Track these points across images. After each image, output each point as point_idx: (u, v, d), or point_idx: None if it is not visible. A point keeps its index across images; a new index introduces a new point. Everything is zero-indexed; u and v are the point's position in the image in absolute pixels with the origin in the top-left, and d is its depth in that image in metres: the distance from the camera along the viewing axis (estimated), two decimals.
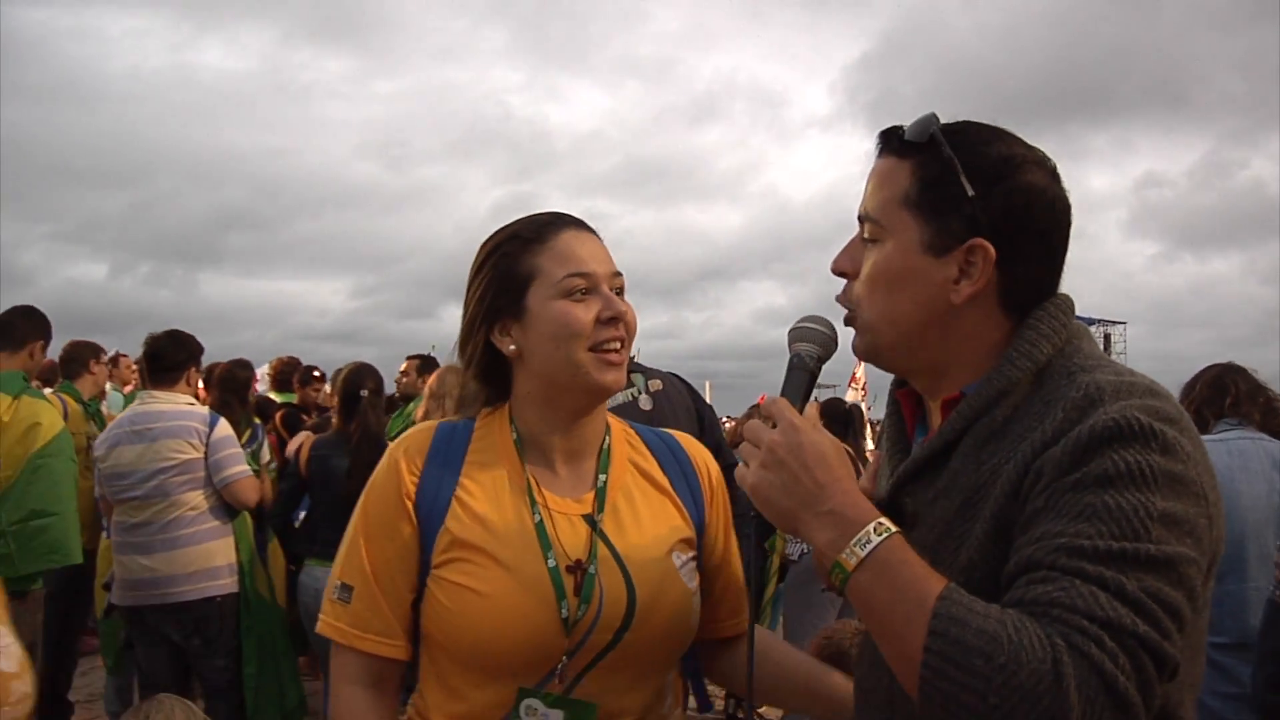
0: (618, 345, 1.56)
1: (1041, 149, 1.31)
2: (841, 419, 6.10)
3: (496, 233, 1.64)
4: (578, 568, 1.52)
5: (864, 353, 1.36)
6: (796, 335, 1.40)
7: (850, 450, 4.83)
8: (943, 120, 1.31)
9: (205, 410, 4.49)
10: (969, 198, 1.24)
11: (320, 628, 1.60)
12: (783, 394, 1.37)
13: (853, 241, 1.36)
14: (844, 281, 1.37)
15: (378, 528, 1.58)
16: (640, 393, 3.07)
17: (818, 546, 1.20)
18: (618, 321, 1.55)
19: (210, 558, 4.28)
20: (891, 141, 1.33)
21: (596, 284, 1.56)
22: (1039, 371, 1.25)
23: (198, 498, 4.28)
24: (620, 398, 2.99)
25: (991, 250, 1.24)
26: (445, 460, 1.60)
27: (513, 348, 1.59)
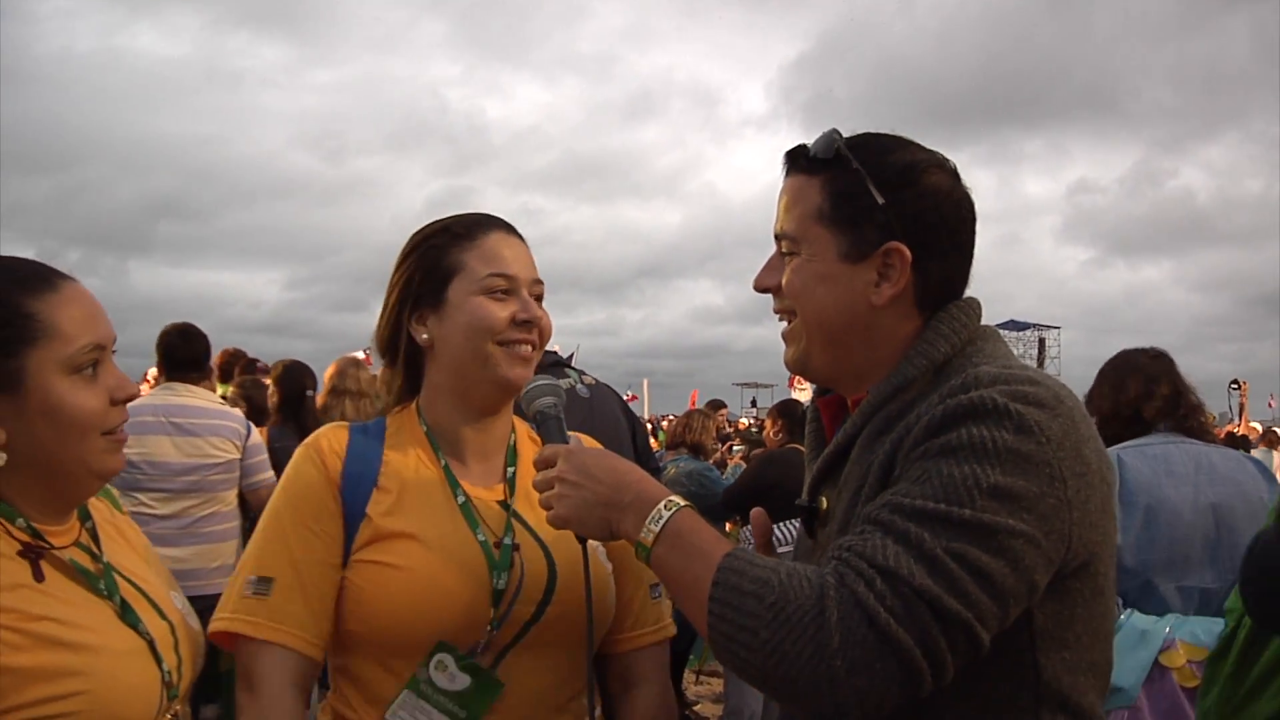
0: (528, 348, 1.62)
1: (938, 151, 1.37)
2: (799, 420, 6.10)
3: (428, 225, 1.68)
4: (500, 544, 1.56)
5: (793, 363, 1.41)
6: (531, 397, 1.57)
7: (798, 446, 4.88)
8: (878, 129, 1.37)
9: (241, 413, 4.61)
10: (880, 205, 1.30)
11: (227, 624, 1.50)
12: (546, 443, 1.50)
13: (772, 259, 1.41)
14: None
15: (305, 516, 1.55)
16: (576, 383, 3.21)
17: (628, 537, 1.29)
18: (531, 325, 1.61)
19: (231, 555, 4.36)
20: (799, 160, 1.38)
21: (517, 287, 1.61)
22: (937, 370, 1.29)
23: (231, 496, 4.42)
24: (563, 384, 3.07)
25: (907, 252, 1.29)
26: (364, 451, 1.62)
27: (425, 337, 1.62)
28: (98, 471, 1.40)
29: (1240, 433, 13.34)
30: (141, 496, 4.19)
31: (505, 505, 1.63)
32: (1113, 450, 2.92)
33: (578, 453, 1.38)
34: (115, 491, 1.63)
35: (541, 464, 1.42)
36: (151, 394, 4.46)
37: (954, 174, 1.36)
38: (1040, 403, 1.16)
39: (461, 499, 1.60)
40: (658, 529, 1.23)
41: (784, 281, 1.37)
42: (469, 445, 1.66)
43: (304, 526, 1.54)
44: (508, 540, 1.57)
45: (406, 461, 1.62)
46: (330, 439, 1.63)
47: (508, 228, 1.67)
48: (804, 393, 13.87)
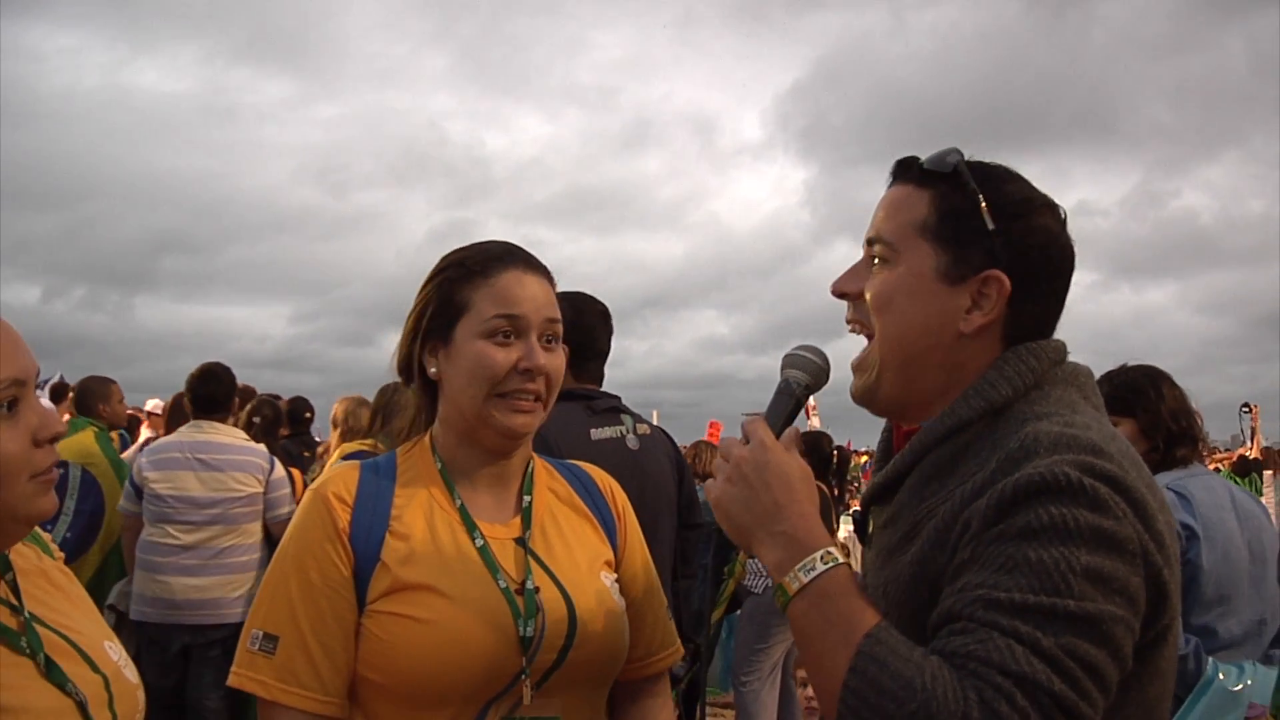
0: (530, 397, 1.55)
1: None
2: (822, 459, 5.97)
3: (450, 254, 1.64)
4: (522, 589, 1.52)
5: (861, 393, 1.37)
6: (790, 361, 1.41)
7: (823, 487, 4.84)
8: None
9: (264, 448, 4.87)
10: (990, 231, 1.26)
11: (238, 681, 1.49)
12: (766, 415, 1.37)
13: (858, 264, 1.37)
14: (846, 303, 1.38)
15: (310, 571, 1.50)
16: (628, 432, 3.06)
17: (768, 565, 1.22)
18: (534, 374, 1.54)
19: (253, 585, 4.53)
20: (909, 170, 1.34)
21: (524, 329, 1.55)
22: (996, 413, 1.24)
23: (254, 528, 4.64)
24: (609, 432, 3.03)
25: (1007, 283, 1.26)
26: (375, 494, 1.57)
27: (434, 371, 1.60)
28: (24, 517, 1.27)
29: (1253, 456, 13.24)
30: (169, 528, 4.50)
31: (522, 543, 1.59)
32: (1172, 481, 2.88)
33: (771, 449, 1.27)
34: (46, 536, 1.49)
35: (742, 436, 1.32)
36: (180, 432, 4.80)
37: (1063, 220, 1.32)
38: (1109, 476, 1.11)
39: (480, 542, 1.55)
40: (806, 580, 1.17)
41: (870, 290, 1.32)
42: (483, 478, 1.63)
43: (309, 583, 1.50)
44: (530, 585, 1.53)
45: (420, 501, 1.58)
46: (339, 485, 1.57)
47: (526, 262, 1.61)
48: (814, 419, 13.76)
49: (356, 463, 1.64)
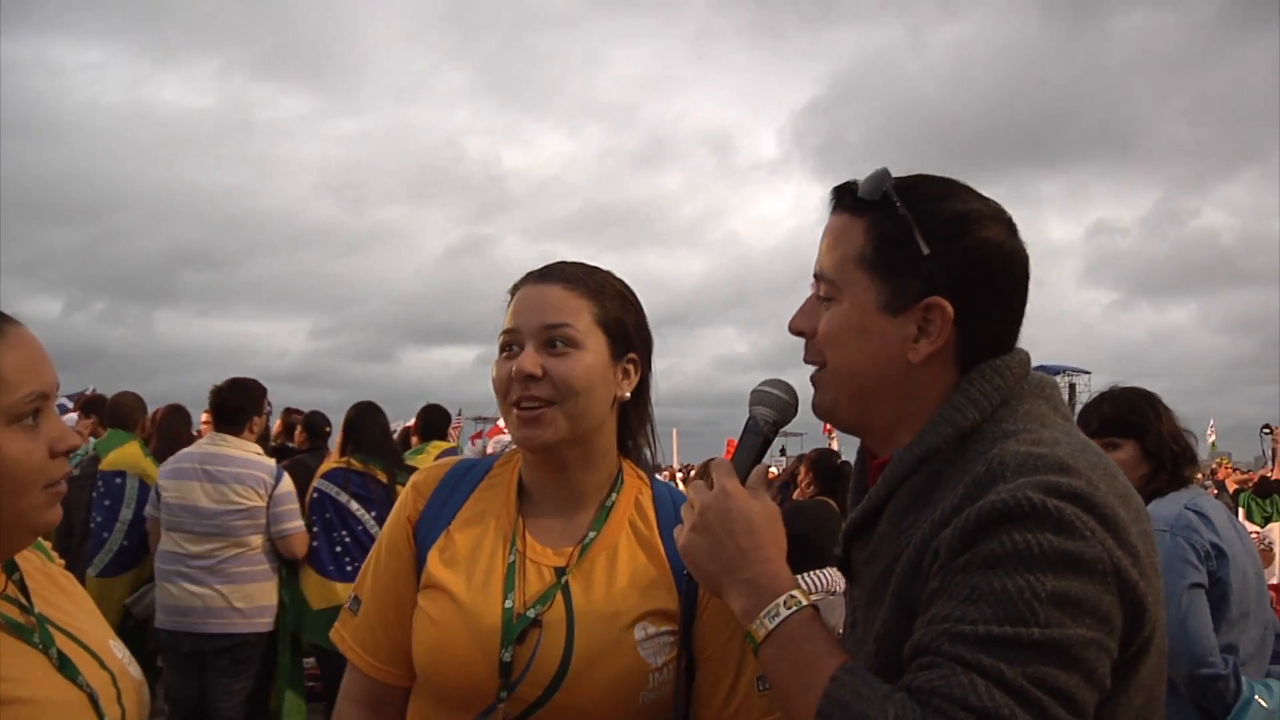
0: (532, 404, 1.51)
1: (997, 201, 1.28)
2: (831, 474, 6.01)
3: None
4: (525, 616, 1.49)
5: (823, 412, 1.35)
6: (756, 398, 1.41)
7: (832, 503, 4.85)
8: (896, 173, 1.28)
9: (272, 463, 4.87)
10: (925, 256, 1.21)
11: (332, 634, 1.65)
12: (735, 455, 1.39)
13: (809, 300, 1.33)
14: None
15: (386, 548, 1.63)
16: None
17: (736, 613, 1.23)
18: (530, 378, 1.50)
19: (258, 596, 4.64)
20: (844, 198, 1.30)
21: (521, 339, 1.53)
22: (964, 436, 1.21)
23: (257, 540, 4.66)
24: None
25: (949, 308, 1.21)
26: (449, 495, 1.63)
27: None
28: (33, 526, 1.31)
29: (1275, 477, 13.20)
30: (177, 536, 4.59)
31: (560, 572, 1.53)
32: (1189, 502, 2.88)
33: (734, 496, 1.27)
34: (47, 544, 1.52)
35: (708, 479, 1.33)
36: (197, 443, 4.94)
37: (1010, 226, 1.26)
38: (1076, 494, 1.07)
39: (512, 558, 1.54)
40: (771, 626, 1.18)
41: (819, 330, 1.29)
42: (549, 499, 1.60)
43: (381, 558, 1.63)
44: (531, 612, 1.48)
45: (490, 509, 1.60)
46: (426, 477, 1.67)
47: (538, 276, 1.59)
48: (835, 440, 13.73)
49: (454, 459, 1.72)
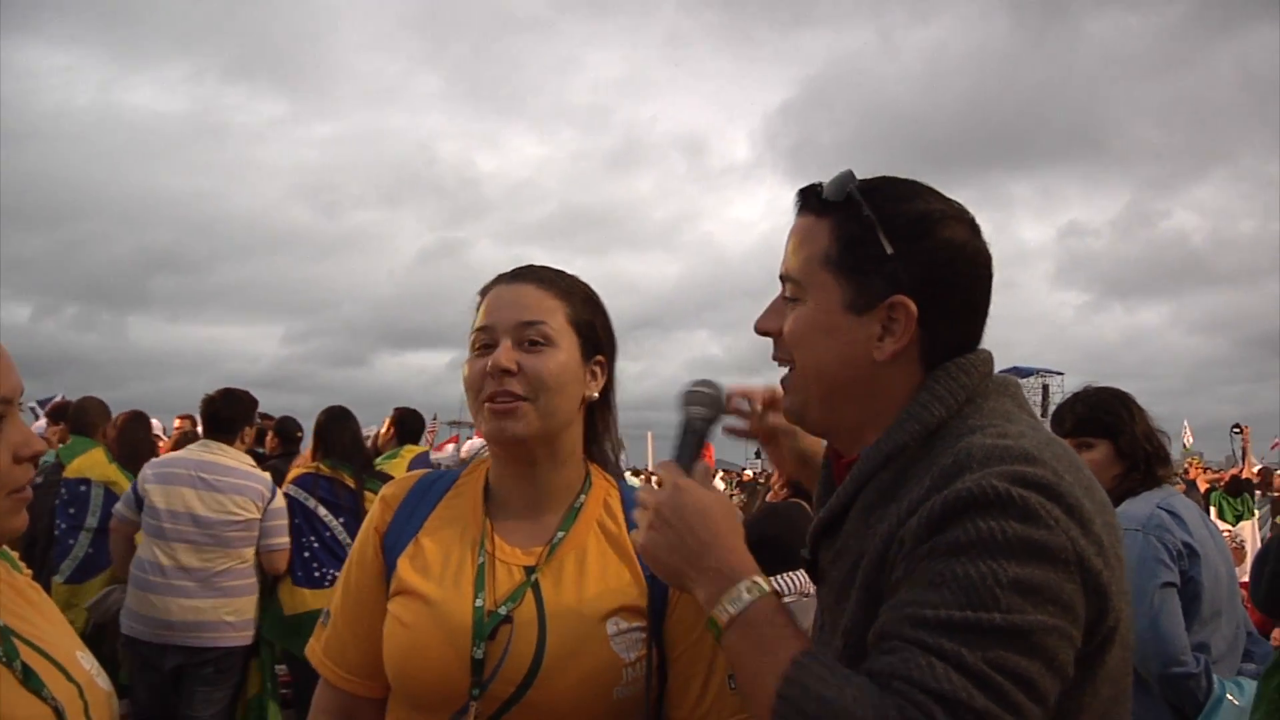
0: (506, 399, 1.52)
1: (960, 202, 1.31)
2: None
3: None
4: (496, 614, 1.50)
5: (792, 415, 1.37)
6: (687, 399, 1.46)
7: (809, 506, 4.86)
8: (862, 174, 1.30)
9: (268, 476, 4.81)
10: (889, 256, 1.23)
11: (307, 650, 1.68)
12: (675, 456, 1.41)
13: (775, 301, 1.35)
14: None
15: (356, 560, 1.66)
16: None
17: (700, 602, 1.23)
18: (504, 373, 1.52)
19: (246, 610, 4.60)
20: (810, 200, 1.32)
21: (495, 338, 1.55)
22: (931, 433, 1.22)
23: (249, 553, 4.61)
24: None
25: (913, 307, 1.23)
26: (416, 505, 1.65)
27: None
28: None
29: (1245, 476, 13.37)
30: (175, 546, 4.45)
31: (529, 570, 1.54)
32: (1162, 501, 2.90)
33: (686, 490, 1.29)
34: (14, 554, 1.49)
35: (656, 481, 1.34)
36: (188, 449, 4.78)
37: (973, 226, 1.29)
38: (1041, 484, 1.09)
39: (481, 560, 1.55)
40: (734, 611, 1.18)
41: (785, 329, 1.31)
42: (517, 500, 1.61)
43: (355, 569, 1.65)
44: (502, 610, 1.49)
45: (458, 515, 1.63)
46: (395, 489, 1.70)
47: (511, 276, 1.63)
48: None
49: (420, 472, 1.75)
